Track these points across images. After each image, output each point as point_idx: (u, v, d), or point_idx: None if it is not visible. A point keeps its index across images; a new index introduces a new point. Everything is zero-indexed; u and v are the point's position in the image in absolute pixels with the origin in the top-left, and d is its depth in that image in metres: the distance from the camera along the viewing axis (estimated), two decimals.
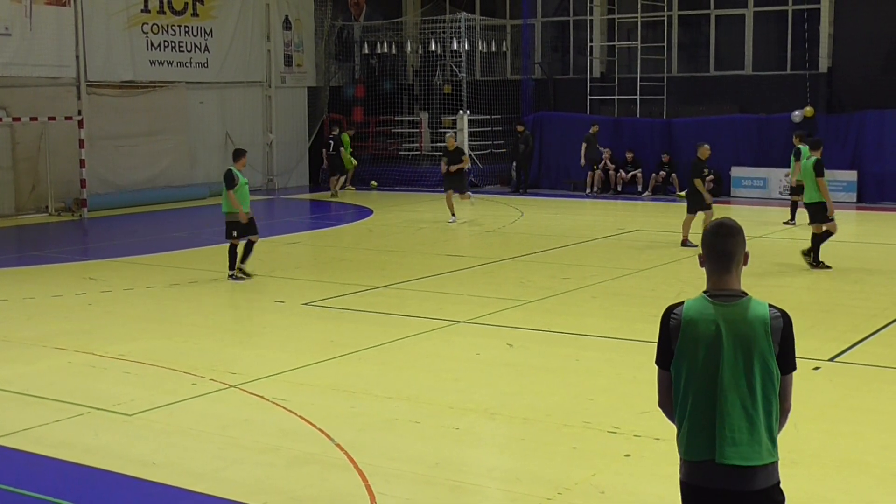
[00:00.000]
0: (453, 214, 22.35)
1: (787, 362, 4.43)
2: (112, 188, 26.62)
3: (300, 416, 8.81)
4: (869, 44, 27.29)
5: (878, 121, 26.07)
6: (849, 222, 21.82)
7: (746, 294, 4.47)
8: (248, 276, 15.56)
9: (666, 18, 30.49)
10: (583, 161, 28.61)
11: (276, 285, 15.31)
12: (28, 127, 24.42)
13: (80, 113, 25.06)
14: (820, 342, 11.40)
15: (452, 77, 32.10)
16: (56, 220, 24.26)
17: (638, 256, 17.64)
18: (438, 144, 31.89)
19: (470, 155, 26.41)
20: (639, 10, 30.28)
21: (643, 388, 8.65)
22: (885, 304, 13.57)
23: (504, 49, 33.33)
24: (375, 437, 8.33)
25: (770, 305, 4.46)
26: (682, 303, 4.52)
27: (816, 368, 10.33)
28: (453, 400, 9.36)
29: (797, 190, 20.66)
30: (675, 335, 4.45)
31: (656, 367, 4.59)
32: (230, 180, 15.56)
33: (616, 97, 30.43)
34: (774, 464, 4.44)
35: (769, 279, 15.28)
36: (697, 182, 18.03)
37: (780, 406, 4.48)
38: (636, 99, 29.77)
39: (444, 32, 32.22)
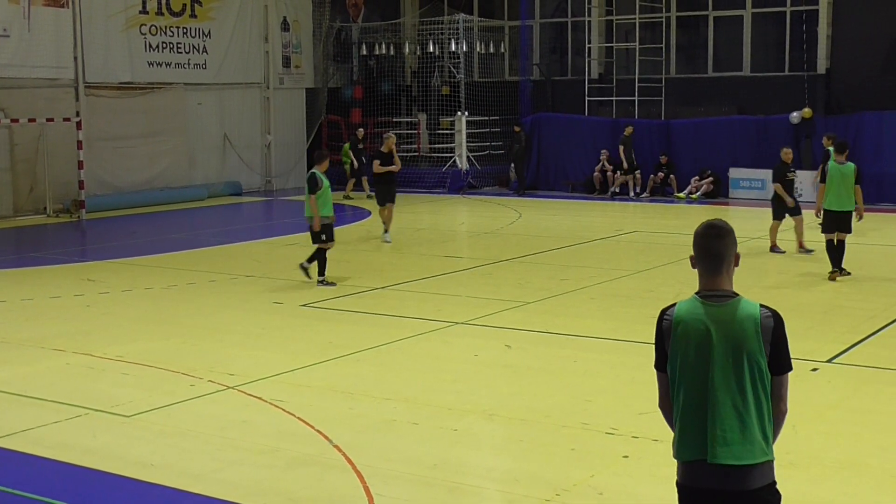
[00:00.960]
0: (386, 230, 20.02)
1: (781, 363, 4.43)
2: (110, 189, 26.61)
3: (298, 418, 8.81)
4: (867, 45, 27.30)
5: (877, 122, 26.08)
6: None
7: (738, 295, 4.48)
8: (312, 278, 15.23)
9: (664, 19, 30.50)
10: (625, 164, 28.19)
11: (275, 286, 15.30)
12: (26, 128, 24.41)
13: (78, 114, 25.06)
14: (819, 343, 11.41)
15: (451, 78, 32.10)
16: (54, 221, 24.25)
17: (636, 258, 17.65)
18: (437, 146, 31.92)
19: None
20: (637, 12, 30.27)
21: (642, 390, 8.66)
22: (884, 305, 13.58)
23: (502, 50, 33.33)
24: (374, 439, 8.33)
25: (761, 305, 4.47)
26: (675, 304, 4.54)
27: (815, 370, 10.34)
28: (452, 401, 9.36)
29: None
30: (667, 336, 4.49)
31: (656, 370, 4.61)
32: (314, 184, 15.02)
33: (614, 98, 30.43)
34: (769, 463, 4.42)
35: (767, 280, 15.29)
36: (777, 187, 17.44)
37: (775, 408, 4.47)
38: (634, 100, 29.77)
39: (442, 34, 32.22)
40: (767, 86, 28.70)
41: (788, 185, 17.66)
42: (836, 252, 15.25)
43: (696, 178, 27.66)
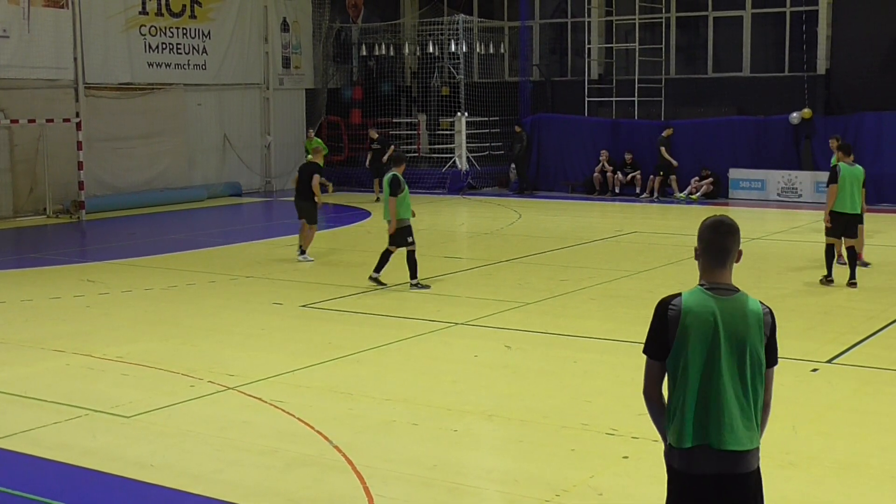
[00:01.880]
0: (303, 250, 17.69)
1: (773, 356, 4.68)
2: (110, 190, 26.62)
3: (298, 418, 8.81)
4: (867, 45, 27.30)
5: (877, 122, 26.08)
6: None
7: (739, 289, 4.65)
8: (384, 284, 15.07)
9: (664, 20, 30.50)
10: (674, 163, 27.63)
11: (274, 287, 15.30)
12: (26, 129, 24.41)
13: (77, 115, 25.06)
14: (818, 344, 11.41)
15: (450, 79, 32.09)
16: (54, 222, 24.25)
17: (636, 258, 17.65)
18: (437, 146, 31.91)
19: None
20: (636, 12, 30.26)
21: (641, 390, 8.65)
22: (884, 305, 13.58)
23: (502, 51, 33.32)
24: (373, 439, 8.33)
25: (761, 302, 4.69)
26: (679, 294, 4.65)
27: (815, 370, 10.34)
28: (451, 402, 9.36)
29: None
30: (673, 326, 4.59)
31: (645, 356, 4.69)
32: (396, 186, 14.78)
33: (614, 99, 30.43)
34: (758, 449, 4.66)
35: (768, 281, 15.28)
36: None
37: (764, 397, 4.70)
38: (634, 101, 29.77)
39: (441, 34, 32.22)
40: (767, 86, 28.71)
41: None
42: (833, 259, 14.85)
43: (696, 178, 27.66)
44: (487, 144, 31.85)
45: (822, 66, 27.91)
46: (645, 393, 4.74)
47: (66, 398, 9.52)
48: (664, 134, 27.94)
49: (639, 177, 28.52)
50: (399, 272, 16.46)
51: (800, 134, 27.05)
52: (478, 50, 32.67)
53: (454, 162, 30.95)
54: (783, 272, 16.27)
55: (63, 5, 25.17)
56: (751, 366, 4.56)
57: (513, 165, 30.27)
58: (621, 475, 7.53)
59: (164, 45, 27.92)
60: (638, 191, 28.41)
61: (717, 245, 4.63)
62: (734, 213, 24.96)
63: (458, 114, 30.82)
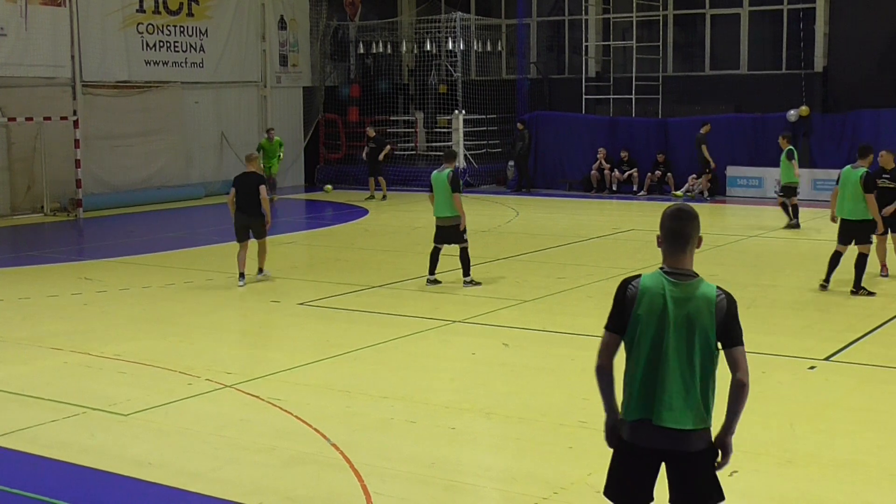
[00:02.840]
0: (242, 275, 15.05)
1: (732, 338, 4.80)
2: (108, 188, 26.60)
3: (296, 416, 8.81)
4: (864, 43, 27.32)
5: (874, 120, 26.07)
6: None
7: (698, 275, 4.89)
8: (439, 282, 14.92)
9: (661, 18, 30.49)
10: (712, 164, 26.55)
11: (272, 285, 15.29)
12: (23, 127, 24.38)
13: (75, 113, 25.04)
14: (816, 341, 11.43)
15: (448, 77, 32.09)
16: (52, 220, 24.23)
17: (633, 256, 17.65)
18: (434, 144, 31.89)
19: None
20: (634, 10, 30.27)
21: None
22: (882, 303, 13.58)
23: (499, 49, 33.32)
24: (371, 437, 8.33)
25: (717, 287, 4.87)
26: (640, 276, 4.94)
27: (813, 368, 10.35)
28: (449, 400, 9.37)
29: (788, 191, 20.54)
30: (630, 304, 4.88)
31: (605, 330, 4.95)
32: (458, 182, 14.80)
33: (611, 97, 30.44)
34: (706, 430, 4.83)
35: (765, 279, 15.28)
36: (871, 199, 13.84)
37: (732, 378, 4.79)
38: (631, 98, 29.78)
39: (439, 32, 32.21)
40: (764, 84, 28.72)
41: (890, 195, 14.55)
42: (835, 266, 14.15)
43: (694, 176, 27.65)
44: (485, 142, 31.85)
45: (819, 63, 27.92)
46: (597, 363, 4.97)
47: (64, 396, 9.52)
48: (702, 131, 26.49)
49: (636, 174, 28.53)
50: (397, 270, 16.46)
51: (797, 132, 27.04)
52: (475, 48, 32.66)
53: None
54: (780, 269, 16.27)
55: (60, 3, 25.14)
56: (700, 348, 4.75)
57: (510, 163, 30.26)
58: None
59: (161, 43, 27.90)
60: (635, 188, 28.42)
61: (677, 232, 4.91)
62: (731, 210, 25.03)
63: (456, 111, 30.81)
